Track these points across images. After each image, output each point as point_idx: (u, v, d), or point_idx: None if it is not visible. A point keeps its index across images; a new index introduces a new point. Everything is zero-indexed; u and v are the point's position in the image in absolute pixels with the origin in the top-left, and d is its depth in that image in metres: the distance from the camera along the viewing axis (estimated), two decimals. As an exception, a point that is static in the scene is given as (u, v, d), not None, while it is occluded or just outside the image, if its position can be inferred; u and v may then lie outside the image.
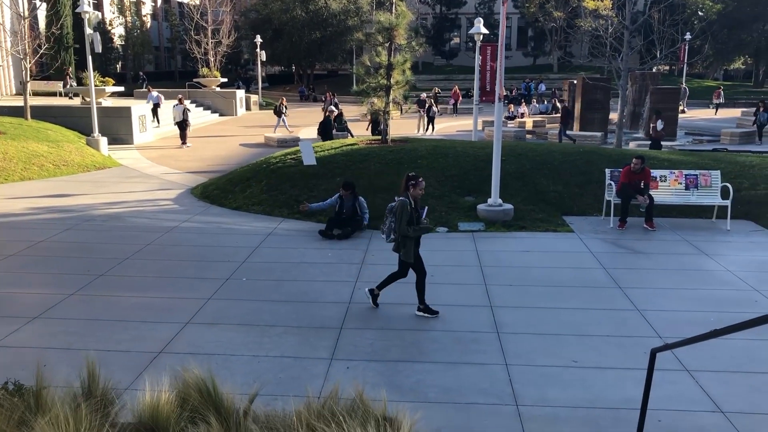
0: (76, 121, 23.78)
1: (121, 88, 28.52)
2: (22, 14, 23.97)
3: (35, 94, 30.99)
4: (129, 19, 57.90)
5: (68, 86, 33.10)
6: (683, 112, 35.96)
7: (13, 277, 9.32)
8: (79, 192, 15.72)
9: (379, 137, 18.07)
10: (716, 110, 39.43)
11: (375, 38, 16.97)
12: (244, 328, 7.52)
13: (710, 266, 9.95)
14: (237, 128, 31.08)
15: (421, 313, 7.89)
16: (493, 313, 7.97)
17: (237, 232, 12.03)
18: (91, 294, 8.60)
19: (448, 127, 31.94)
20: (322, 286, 8.97)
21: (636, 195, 12.13)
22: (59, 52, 36.28)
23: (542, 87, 47.64)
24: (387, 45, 16.71)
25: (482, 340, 7.22)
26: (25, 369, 5.95)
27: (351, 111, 29.76)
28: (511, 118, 32.12)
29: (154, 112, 28.58)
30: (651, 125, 21.28)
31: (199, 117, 32.75)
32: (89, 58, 21.19)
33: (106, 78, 26.92)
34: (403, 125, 29.35)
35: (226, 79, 40.69)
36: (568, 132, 25.45)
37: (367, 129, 24.53)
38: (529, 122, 30.24)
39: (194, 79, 38.93)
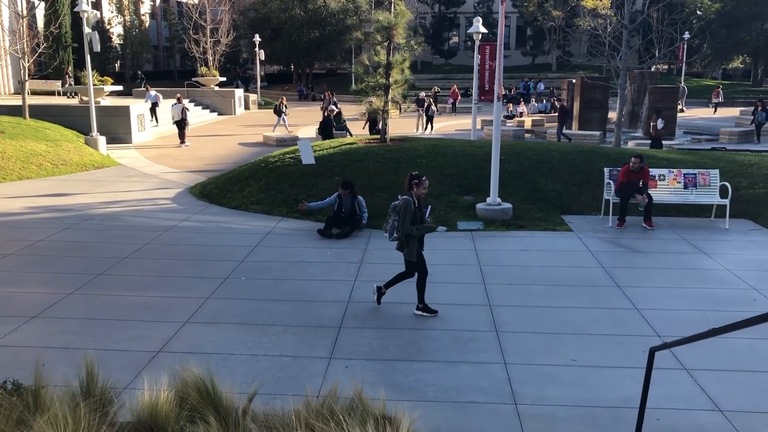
0: (74, 120, 23.74)
1: (120, 87, 28.49)
2: (20, 13, 23.93)
3: (33, 93, 30.93)
4: (127, 18, 57.85)
5: (67, 85, 33.08)
6: (682, 111, 35.99)
7: (11, 276, 9.31)
8: (77, 191, 15.71)
9: (378, 136, 18.07)
10: (715, 109, 39.44)
11: (374, 37, 16.96)
12: (243, 327, 7.52)
13: (709, 265, 9.96)
14: (236, 127, 31.06)
15: (420, 312, 7.89)
16: (492, 312, 7.98)
17: (236, 231, 12.03)
18: (90, 293, 8.60)
19: (446, 126, 31.94)
20: (320, 285, 8.97)
21: (635, 194, 12.14)
22: (57, 51, 36.24)
23: (541, 86, 47.63)
24: (386, 44, 16.70)
25: (481, 339, 7.22)
26: (23, 368, 5.95)
27: (350, 110, 29.74)
28: (510, 117, 32.12)
29: (153, 111, 28.57)
30: (651, 124, 21.29)
31: (197, 116, 32.73)
32: (88, 57, 21.16)
33: (105, 77, 26.89)
34: (402, 124, 29.34)
35: (224, 78, 40.65)
36: (564, 131, 25.46)
37: (363, 128, 24.51)
38: (527, 121, 30.25)
39: (193, 79, 38.89)
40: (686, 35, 36.24)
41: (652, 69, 30.42)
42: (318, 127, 24.57)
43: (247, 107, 40.54)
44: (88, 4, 21.03)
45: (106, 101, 26.36)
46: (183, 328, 7.49)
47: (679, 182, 12.77)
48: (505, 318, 7.81)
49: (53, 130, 22.00)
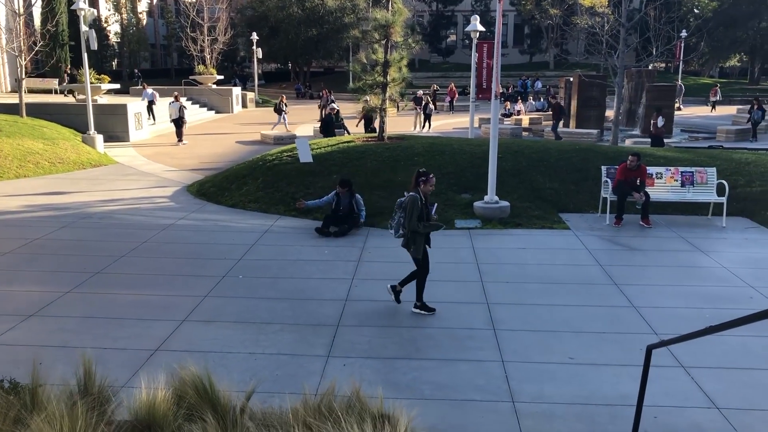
0: (71, 118, 23.70)
1: (117, 86, 28.45)
2: (17, 11, 23.89)
3: (30, 91, 30.91)
4: (125, 16, 57.76)
5: (64, 83, 33.04)
6: (679, 109, 36.02)
7: (8, 274, 9.30)
8: (74, 189, 15.69)
9: (373, 134, 18.06)
10: (713, 107, 39.49)
11: (371, 35, 16.96)
12: (241, 325, 7.52)
13: (706, 263, 9.98)
14: (233, 125, 31.03)
15: (417, 311, 7.89)
16: (489, 310, 7.98)
17: (233, 229, 12.02)
18: (87, 292, 8.59)
19: (444, 124, 31.94)
20: (318, 284, 8.97)
21: (632, 192, 12.15)
22: (54, 49, 36.21)
23: (539, 84, 47.63)
24: (383, 42, 16.70)
25: (478, 337, 7.23)
26: (21, 367, 5.94)
27: (348, 108, 29.74)
28: (508, 115, 32.13)
29: (149, 109, 28.52)
30: (652, 122, 21.33)
31: (195, 114, 32.69)
32: (85, 56, 21.12)
33: (102, 75, 26.84)
34: (400, 122, 29.34)
35: (222, 77, 40.61)
36: (557, 129, 25.51)
37: (357, 125, 24.52)
38: (525, 119, 30.28)
39: (190, 77, 38.84)
40: (683, 33, 36.29)
41: (650, 67, 30.43)
42: (320, 125, 24.57)
43: (244, 105, 40.49)
44: (85, 2, 20.97)
45: (104, 99, 26.31)
46: (180, 326, 7.48)
47: (677, 180, 12.79)
48: (503, 316, 7.82)
49: (50, 129, 21.96)
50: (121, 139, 24.10)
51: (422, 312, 7.86)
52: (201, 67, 38.03)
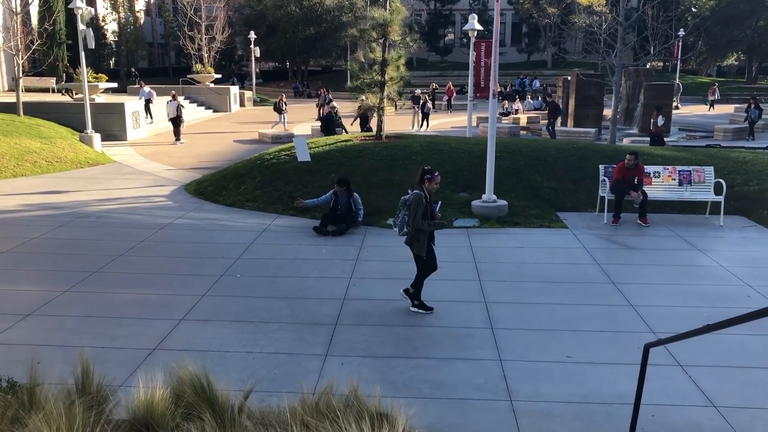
0: (69, 117, 23.66)
1: (115, 85, 28.40)
2: (14, 10, 23.84)
3: (28, 90, 30.87)
4: (122, 14, 57.67)
5: (62, 82, 32.99)
6: (677, 108, 36.04)
7: (6, 274, 9.29)
8: (72, 188, 15.67)
9: (374, 134, 18.06)
10: (711, 106, 39.52)
11: (369, 34, 16.95)
12: (239, 324, 7.52)
13: (703, 262, 9.99)
14: (231, 124, 31.00)
15: (415, 309, 7.89)
16: (487, 309, 7.99)
17: (231, 228, 12.02)
18: (85, 291, 8.58)
19: (442, 123, 31.95)
20: (316, 283, 8.97)
21: (630, 191, 12.16)
22: (52, 48, 36.12)
23: (536, 83, 47.67)
24: (381, 41, 16.69)
25: (476, 335, 7.24)
26: (18, 366, 5.94)
27: (345, 107, 29.72)
28: (506, 114, 32.15)
29: (147, 108, 28.49)
30: (652, 121, 21.37)
31: (192, 113, 32.66)
32: (82, 55, 21.08)
33: (100, 74, 26.81)
34: (398, 121, 29.35)
35: (220, 75, 40.57)
36: (554, 128, 25.54)
37: (351, 124, 24.52)
38: (523, 118, 30.29)
39: (188, 76, 38.80)
40: (681, 32, 36.31)
41: (647, 66, 30.45)
42: (320, 124, 24.54)
43: (242, 104, 40.47)
44: (82, 0, 20.94)
45: (101, 98, 26.27)
46: (179, 325, 7.48)
47: (674, 179, 12.81)
48: (501, 315, 7.82)
49: (48, 128, 21.93)
50: (119, 138, 24.07)
51: (420, 311, 7.86)
52: (199, 66, 37.99)
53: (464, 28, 23.70)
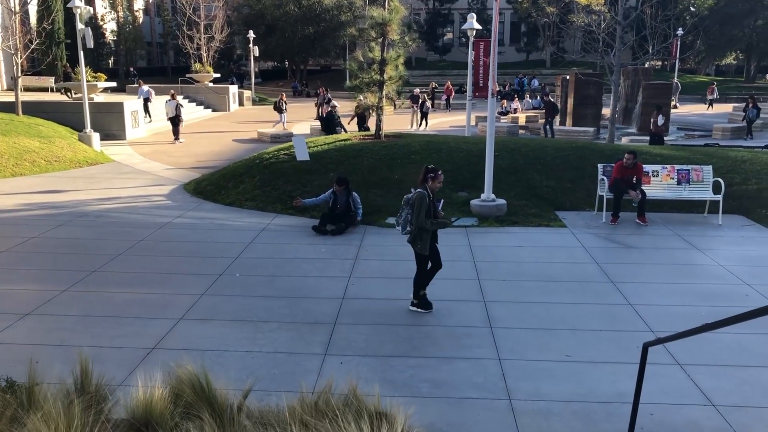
0: (68, 116, 23.64)
1: (113, 84, 28.39)
2: (13, 9, 23.81)
3: (27, 89, 30.84)
4: (121, 14, 57.62)
5: (60, 81, 32.95)
6: (675, 107, 36.07)
7: (5, 273, 9.28)
8: (71, 188, 15.67)
9: (373, 133, 18.06)
10: (710, 105, 39.55)
11: (368, 34, 16.95)
12: (238, 323, 7.52)
13: (702, 261, 10.00)
14: (230, 124, 30.99)
15: (414, 308, 7.90)
16: (486, 308, 7.99)
17: (230, 227, 12.01)
18: (84, 290, 8.58)
19: (441, 122, 31.95)
20: (315, 282, 8.97)
21: (628, 190, 12.17)
22: (51, 47, 36.10)
23: (535, 82, 47.68)
24: (380, 40, 16.69)
25: (475, 334, 7.24)
26: (17, 365, 5.93)
27: (344, 106, 29.72)
28: (504, 113, 32.15)
29: (145, 107, 28.47)
30: (652, 120, 21.41)
31: (191, 112, 32.64)
32: (81, 54, 21.07)
33: (99, 73, 26.79)
34: (397, 120, 29.35)
35: (218, 75, 40.55)
36: (552, 127, 25.56)
37: (348, 123, 24.51)
38: (521, 117, 30.28)
39: (187, 75, 38.78)
40: (680, 31, 36.34)
41: (646, 65, 30.46)
42: (321, 123, 24.53)
43: (241, 104, 40.46)
44: (81, 0, 20.92)
45: (100, 98, 26.26)
46: (177, 324, 7.48)
47: (673, 178, 12.82)
48: (500, 314, 7.83)
49: (46, 127, 21.92)
50: (118, 138, 24.06)
51: (419, 310, 7.86)
52: (198, 66, 37.97)
53: (463, 27, 23.70)
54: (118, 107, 24.62)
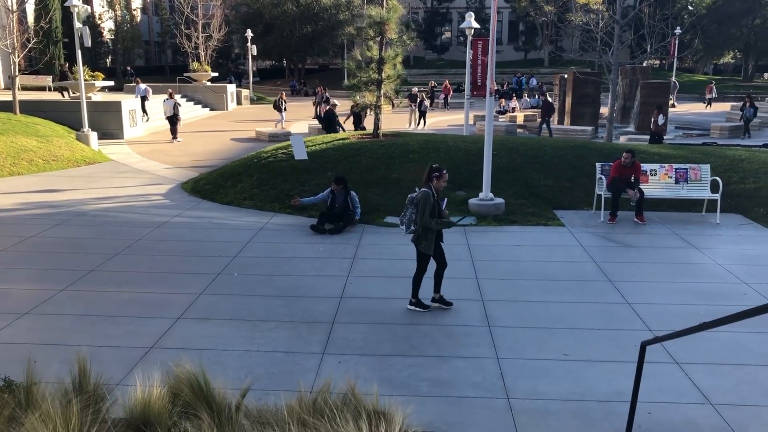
0: (65, 115, 23.61)
1: (111, 83, 28.33)
2: (10, 8, 23.76)
3: (24, 88, 30.77)
4: (119, 13, 57.56)
5: (57, 80, 32.90)
6: (673, 106, 36.11)
7: (2, 272, 9.26)
8: (69, 187, 15.65)
9: (371, 132, 18.06)
10: (709, 104, 39.58)
11: (366, 32, 16.94)
12: (236, 323, 7.51)
13: (700, 259, 10.01)
14: (228, 123, 30.97)
15: (413, 308, 7.90)
16: (484, 307, 8.00)
17: (228, 227, 12.01)
18: (82, 289, 8.57)
19: (439, 121, 31.94)
20: (313, 281, 8.97)
21: (626, 189, 12.18)
22: (48, 46, 36.03)
23: (533, 81, 47.70)
24: (378, 39, 16.68)
25: (474, 333, 7.24)
26: (15, 365, 5.92)
27: (343, 105, 29.70)
28: (502, 112, 32.15)
29: (142, 105, 28.43)
30: (652, 119, 21.45)
31: (189, 111, 32.60)
32: (78, 53, 21.04)
33: (96, 72, 26.74)
34: (395, 119, 29.34)
35: (216, 74, 40.52)
36: (549, 126, 25.56)
37: (344, 122, 24.50)
38: (520, 117, 30.28)
39: (185, 74, 38.74)
40: (678, 30, 36.37)
41: (644, 64, 30.48)
42: (322, 121, 24.50)
43: (239, 102, 40.43)
44: (78, -2, 20.88)
45: (98, 97, 26.22)
46: (176, 324, 7.47)
47: (671, 177, 12.83)
48: (498, 313, 7.83)
49: (44, 126, 21.89)
50: (116, 137, 24.03)
51: (417, 309, 7.86)
52: (195, 64, 37.93)
53: (461, 26, 23.72)
54: (116, 106, 24.59)
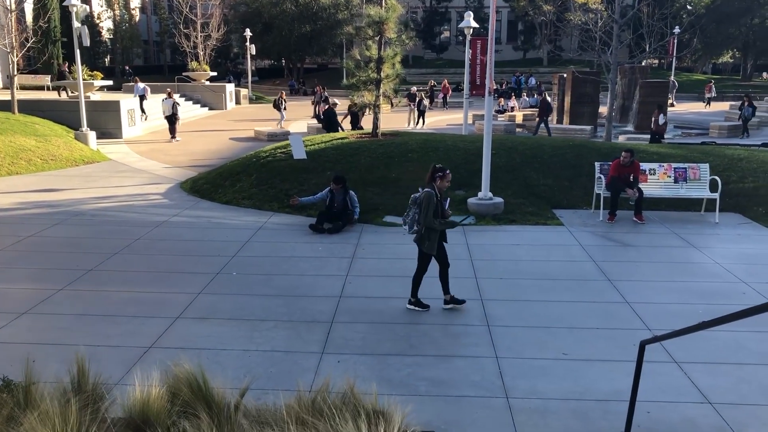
0: (64, 115, 23.59)
1: (110, 82, 28.32)
2: (8, 7, 23.74)
3: (22, 88, 30.73)
4: (117, 12, 57.54)
5: (54, 80, 32.88)
6: (672, 105, 36.12)
7: (0, 272, 9.25)
8: (67, 187, 15.63)
9: (369, 131, 18.04)
10: (708, 103, 39.60)
11: (365, 32, 16.93)
12: (235, 322, 7.51)
13: (699, 259, 10.01)
14: (227, 122, 30.96)
15: (412, 307, 7.89)
16: (483, 306, 7.99)
17: (227, 226, 12.00)
18: (81, 289, 8.56)
19: (438, 120, 31.94)
20: (312, 280, 8.97)
21: (625, 188, 12.18)
22: (47, 45, 35.95)
23: (532, 81, 47.70)
24: (377, 39, 16.68)
25: (473, 333, 7.24)
26: (14, 365, 5.92)
27: (343, 105, 29.68)
28: (501, 111, 32.15)
29: (140, 104, 28.42)
30: (653, 119, 21.47)
31: (188, 111, 32.59)
32: (77, 52, 21.01)
33: (95, 72, 26.72)
34: (394, 119, 29.33)
35: (215, 73, 40.49)
36: (547, 125, 25.55)
37: (341, 121, 24.51)
38: (519, 116, 30.27)
39: (183, 73, 38.73)
40: (676, 30, 36.38)
41: (643, 63, 30.48)
42: (323, 120, 24.49)
43: (238, 102, 40.42)
44: (77, -2, 20.85)
45: (96, 96, 26.19)
46: (174, 323, 7.47)
47: (670, 176, 12.83)
48: (497, 312, 7.83)
49: (42, 125, 21.87)
50: (114, 136, 24.01)
51: (416, 308, 7.86)
52: (194, 64, 37.92)
53: (460, 25, 23.71)
54: (115, 106, 24.56)
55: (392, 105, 26.52)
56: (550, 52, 57.38)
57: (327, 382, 4.76)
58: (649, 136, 21.73)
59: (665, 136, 24.19)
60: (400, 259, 9.68)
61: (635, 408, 4.97)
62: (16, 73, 23.42)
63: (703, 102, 40.66)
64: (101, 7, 56.11)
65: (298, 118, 31.46)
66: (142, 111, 28.24)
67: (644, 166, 12.83)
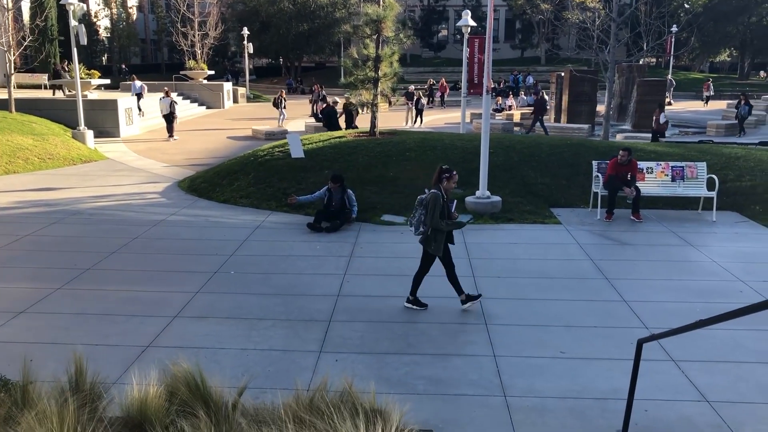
0: (61, 114, 23.55)
1: (107, 81, 28.27)
2: (5, 6, 23.68)
3: (20, 86, 30.68)
4: (114, 11, 57.46)
5: (50, 79, 32.83)
6: (669, 104, 36.17)
7: (-2, 271, 9.25)
8: (65, 185, 15.61)
9: (367, 130, 18.04)
10: (706, 102, 39.64)
11: (363, 30, 16.93)
12: (233, 321, 7.51)
13: (696, 257, 10.03)
14: (224, 121, 30.93)
15: (410, 305, 7.90)
16: (481, 305, 8.00)
17: (225, 225, 11.99)
18: (78, 288, 8.55)
19: (436, 119, 31.94)
20: (310, 279, 8.97)
21: (623, 187, 12.19)
22: (44, 44, 35.90)
23: (530, 79, 47.72)
24: (375, 37, 16.67)
25: (471, 331, 7.25)
26: (11, 364, 5.92)
27: (340, 104, 29.67)
28: (499, 110, 32.16)
29: (137, 102, 28.38)
30: (654, 118, 21.50)
31: (185, 110, 32.55)
32: (74, 51, 20.98)
33: (92, 70, 26.67)
34: (392, 117, 29.33)
35: (213, 72, 40.45)
36: (543, 125, 25.58)
37: (339, 118, 24.51)
38: (516, 115, 30.28)
39: (181, 72, 38.70)
40: (674, 28, 36.39)
41: (641, 62, 30.51)
42: (323, 119, 24.47)
43: (235, 101, 40.38)
44: (74, -4, 20.81)
45: (94, 95, 26.15)
46: (172, 322, 7.46)
47: (667, 175, 12.85)
48: (495, 311, 7.84)
49: (40, 124, 21.83)
50: (112, 135, 23.97)
51: (414, 307, 7.87)
52: (192, 63, 37.88)
53: (458, 24, 23.70)
54: (112, 104, 24.52)
55: (390, 104, 26.52)
56: (548, 51, 57.43)
57: (325, 380, 4.76)
58: (648, 135, 21.76)
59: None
60: (398, 258, 9.68)
61: (633, 406, 4.98)
62: (13, 71, 23.37)
63: (701, 100, 40.70)
64: (98, 5, 56.03)
65: (296, 117, 31.44)
66: (139, 109, 28.21)
67: (642, 164, 12.84)
